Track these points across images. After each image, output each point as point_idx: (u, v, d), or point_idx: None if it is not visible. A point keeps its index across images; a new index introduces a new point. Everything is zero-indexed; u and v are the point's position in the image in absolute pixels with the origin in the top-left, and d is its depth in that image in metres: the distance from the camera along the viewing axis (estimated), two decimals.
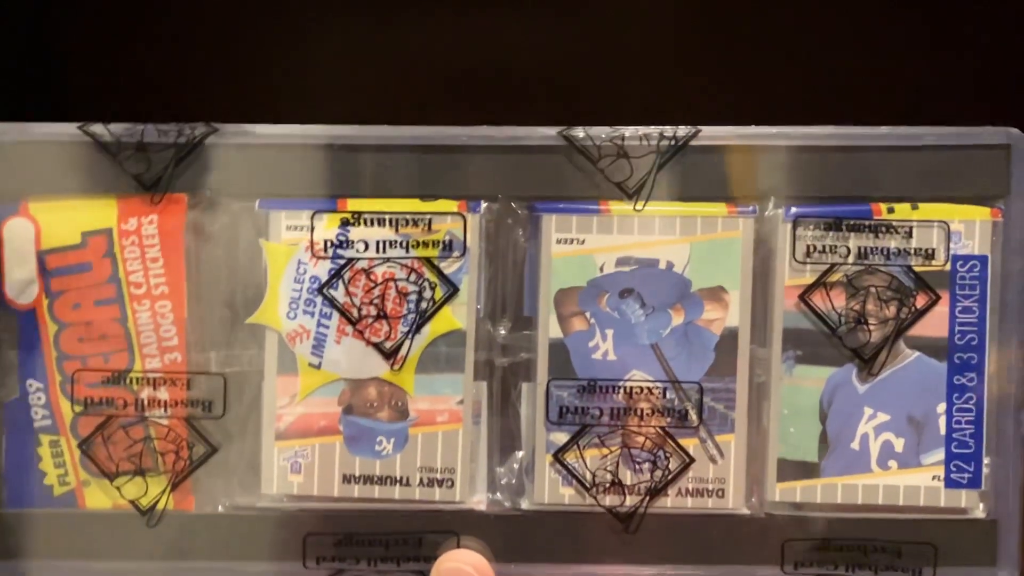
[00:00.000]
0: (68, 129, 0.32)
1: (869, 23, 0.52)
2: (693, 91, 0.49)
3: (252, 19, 0.49)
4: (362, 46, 0.54)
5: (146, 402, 0.33)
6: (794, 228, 0.33)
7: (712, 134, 0.33)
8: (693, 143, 0.32)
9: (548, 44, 0.54)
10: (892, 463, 0.33)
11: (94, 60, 0.49)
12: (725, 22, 0.54)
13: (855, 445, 0.33)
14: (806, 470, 0.33)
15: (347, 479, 0.33)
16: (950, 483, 0.33)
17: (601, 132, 0.33)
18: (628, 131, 0.33)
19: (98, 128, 0.32)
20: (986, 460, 0.33)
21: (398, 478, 0.33)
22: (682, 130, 0.32)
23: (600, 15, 0.51)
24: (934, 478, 0.33)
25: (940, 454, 0.33)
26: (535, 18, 0.51)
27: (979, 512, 0.33)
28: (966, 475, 0.33)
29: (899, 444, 0.33)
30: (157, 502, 0.33)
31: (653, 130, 0.32)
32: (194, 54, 0.49)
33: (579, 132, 0.33)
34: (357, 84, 0.51)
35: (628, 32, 0.54)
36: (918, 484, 0.33)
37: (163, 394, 0.33)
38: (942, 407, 0.33)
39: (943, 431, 0.33)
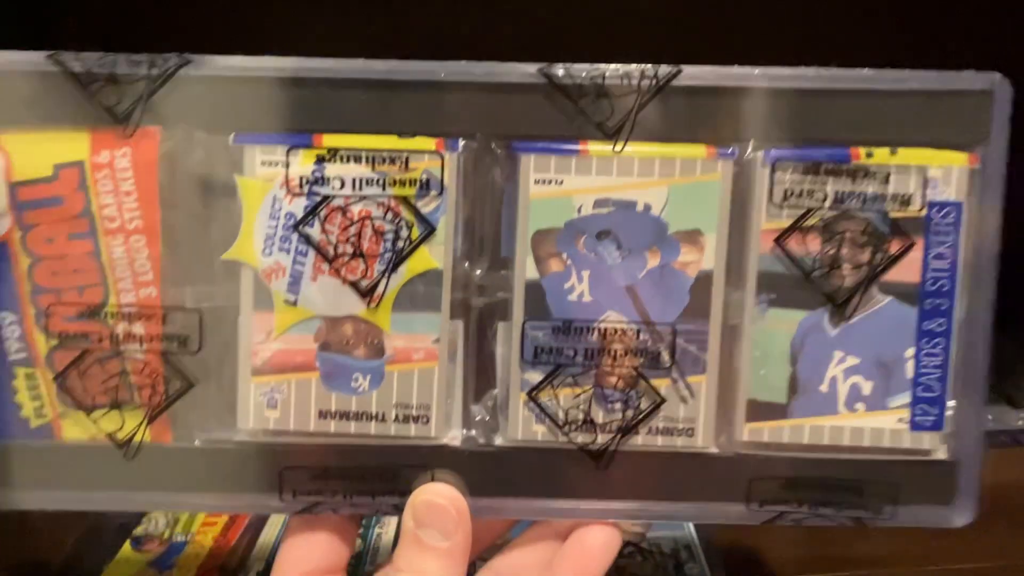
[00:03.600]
0: (37, 58, 0.32)
1: None
2: (682, 43, 0.48)
3: None
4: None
5: (121, 336, 0.33)
6: (772, 171, 0.33)
7: (694, 74, 0.32)
8: (674, 83, 0.32)
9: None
10: (859, 405, 0.34)
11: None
12: None
13: (824, 388, 0.34)
14: (775, 411, 0.34)
15: (323, 415, 0.33)
16: (915, 426, 0.34)
17: (581, 70, 0.32)
18: (609, 69, 0.32)
19: (68, 58, 0.32)
20: (950, 403, 0.34)
21: (374, 414, 0.33)
22: (663, 69, 0.32)
23: None
24: (899, 420, 0.34)
25: (906, 397, 0.34)
26: None
27: (941, 453, 0.34)
28: (930, 418, 0.34)
29: (867, 387, 0.34)
30: (134, 435, 0.33)
31: (634, 68, 0.32)
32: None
33: (559, 70, 0.32)
34: (339, 24, 0.50)
35: None
36: (883, 426, 0.34)
37: (138, 329, 0.33)
38: (911, 351, 0.33)
39: (910, 375, 0.34)
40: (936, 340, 0.33)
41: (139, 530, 0.47)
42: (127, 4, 0.51)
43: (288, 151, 0.32)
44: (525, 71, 0.32)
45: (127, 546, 0.46)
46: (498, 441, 0.34)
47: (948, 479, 0.34)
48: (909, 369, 0.34)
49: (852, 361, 0.34)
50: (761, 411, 0.34)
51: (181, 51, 0.32)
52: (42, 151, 0.32)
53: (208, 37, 0.35)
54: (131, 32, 0.47)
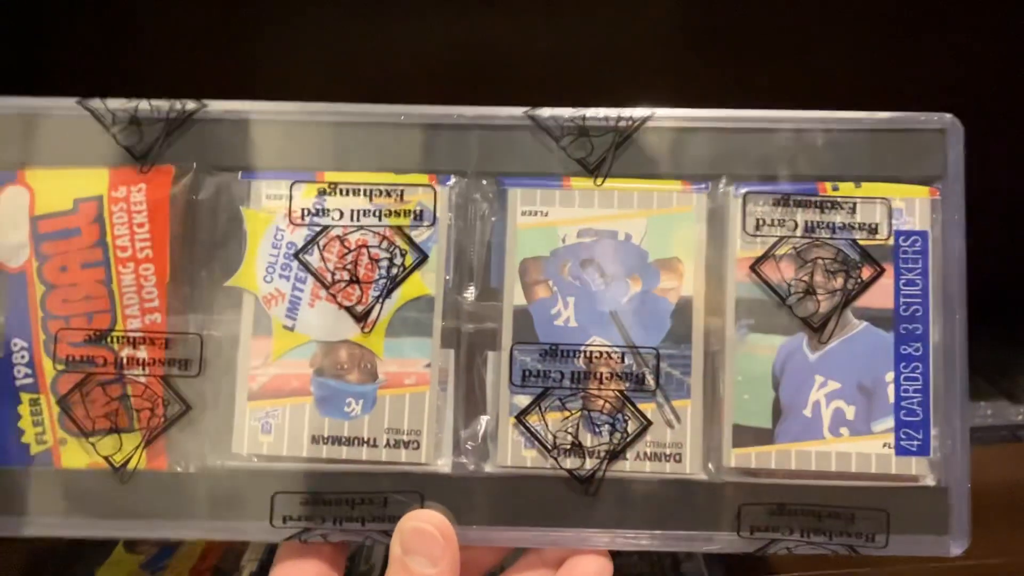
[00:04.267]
0: (67, 103, 0.35)
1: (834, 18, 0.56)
2: (661, 86, 0.52)
3: (241, 4, 0.53)
4: (347, 36, 0.57)
5: (125, 361, 0.34)
6: (744, 203, 0.35)
7: (666, 115, 0.35)
8: (649, 124, 0.35)
9: (529, 39, 0.57)
10: (844, 430, 0.34)
11: (87, 36, 0.53)
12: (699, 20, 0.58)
13: (807, 412, 0.34)
14: (760, 436, 0.34)
15: (316, 440, 0.34)
16: (900, 451, 0.34)
17: (564, 112, 0.35)
18: (589, 112, 0.35)
19: (95, 103, 0.35)
20: (935, 430, 0.34)
21: (365, 439, 0.34)
22: (638, 112, 0.35)
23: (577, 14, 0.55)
24: (884, 445, 0.34)
25: (890, 422, 0.34)
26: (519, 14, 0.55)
27: (929, 480, 0.34)
28: (915, 443, 0.34)
29: (850, 412, 0.34)
30: (130, 459, 0.34)
31: (612, 111, 0.35)
32: (187, 34, 0.52)
33: (544, 112, 0.35)
34: (341, 75, 0.55)
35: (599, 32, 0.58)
36: (869, 451, 0.34)
37: (142, 353, 0.34)
38: (890, 376, 0.34)
39: (892, 399, 0.34)
40: (914, 364, 0.34)
41: None
42: (136, 48, 0.56)
43: (292, 185, 0.34)
44: (512, 113, 0.35)
45: (120, 547, 0.45)
46: (488, 468, 0.34)
47: (940, 506, 0.34)
48: (890, 393, 0.34)
49: (833, 385, 0.34)
50: (747, 436, 0.34)
51: (184, 95, 0.35)
52: (64, 186, 0.34)
53: (213, 81, 0.38)
54: (137, 75, 0.51)
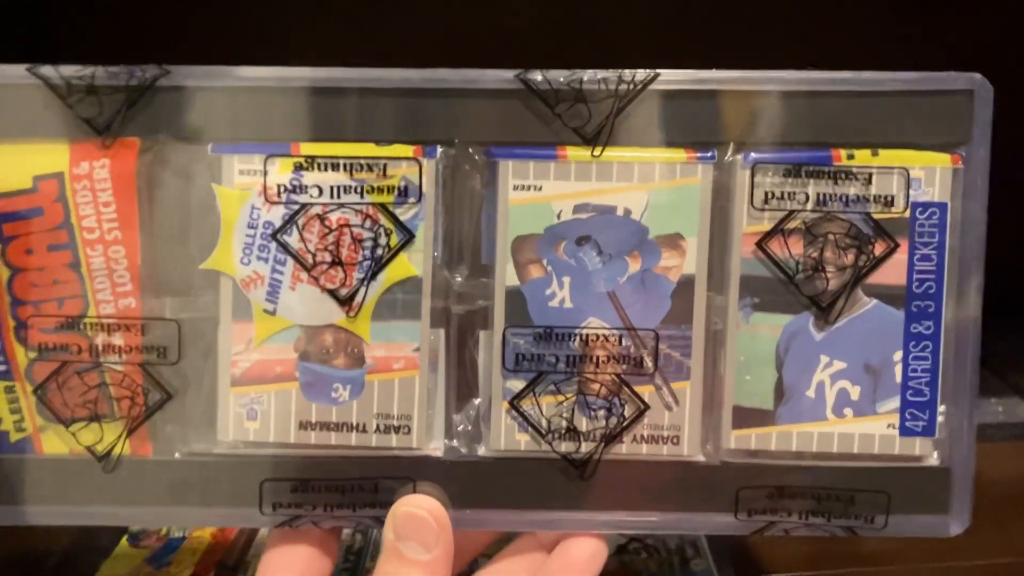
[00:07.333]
0: (16, 71, 0.32)
1: None
2: (661, 47, 0.49)
3: None
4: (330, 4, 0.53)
5: (100, 348, 0.33)
6: (752, 174, 0.32)
7: (671, 78, 0.32)
8: (652, 87, 0.32)
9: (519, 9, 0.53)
10: (848, 411, 0.33)
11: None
12: None
13: (811, 393, 0.33)
14: (761, 417, 0.33)
15: (303, 426, 0.33)
16: (905, 431, 0.33)
17: (559, 76, 0.32)
18: (586, 75, 0.32)
19: (47, 70, 0.32)
20: (941, 408, 0.33)
21: (354, 425, 0.33)
22: (640, 73, 0.32)
23: None
24: (889, 426, 0.33)
25: (896, 402, 0.33)
26: None
27: (933, 460, 0.33)
28: (921, 423, 0.33)
29: (855, 392, 0.33)
30: (113, 448, 0.33)
31: (611, 73, 0.32)
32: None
33: (536, 75, 0.32)
34: (323, 43, 0.51)
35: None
36: (873, 432, 0.33)
37: (118, 340, 0.33)
38: (899, 355, 0.33)
39: (899, 379, 0.33)
40: (924, 343, 0.33)
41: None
42: (112, 16, 0.52)
43: (266, 160, 0.32)
44: (502, 77, 0.32)
45: (124, 542, 0.45)
46: (481, 451, 0.34)
47: (941, 486, 0.33)
48: (897, 373, 0.33)
49: (839, 366, 0.33)
50: (747, 418, 0.33)
51: (160, 62, 0.32)
52: (21, 163, 0.32)
53: (187, 47, 0.35)
54: (116, 44, 0.48)
